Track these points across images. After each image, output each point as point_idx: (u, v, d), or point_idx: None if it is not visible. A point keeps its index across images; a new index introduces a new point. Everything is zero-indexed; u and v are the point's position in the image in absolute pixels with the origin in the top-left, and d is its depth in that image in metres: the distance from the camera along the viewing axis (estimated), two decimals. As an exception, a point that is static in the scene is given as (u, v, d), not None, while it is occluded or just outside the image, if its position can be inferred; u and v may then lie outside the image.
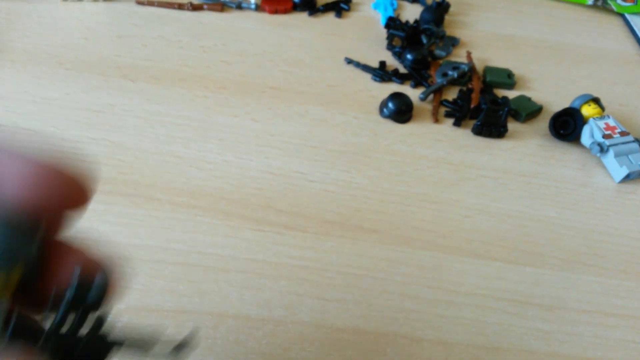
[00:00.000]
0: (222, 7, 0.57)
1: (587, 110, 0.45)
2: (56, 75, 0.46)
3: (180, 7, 0.56)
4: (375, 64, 0.52)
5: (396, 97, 0.45)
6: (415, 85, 0.49)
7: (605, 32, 0.58)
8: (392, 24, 0.53)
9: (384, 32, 0.56)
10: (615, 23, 0.60)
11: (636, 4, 0.61)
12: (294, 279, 0.33)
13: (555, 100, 0.48)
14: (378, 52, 0.53)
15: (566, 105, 0.47)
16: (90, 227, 0.35)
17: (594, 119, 0.44)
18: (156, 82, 0.47)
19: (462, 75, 0.48)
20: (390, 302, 0.33)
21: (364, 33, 0.56)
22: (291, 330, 0.31)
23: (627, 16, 0.60)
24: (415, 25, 0.53)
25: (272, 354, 0.30)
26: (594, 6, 0.61)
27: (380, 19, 0.58)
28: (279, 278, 0.33)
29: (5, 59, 0.47)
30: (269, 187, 0.39)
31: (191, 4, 0.56)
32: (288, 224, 0.37)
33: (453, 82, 0.49)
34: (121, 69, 0.47)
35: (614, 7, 0.61)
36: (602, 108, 0.45)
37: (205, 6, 0.57)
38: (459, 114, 0.45)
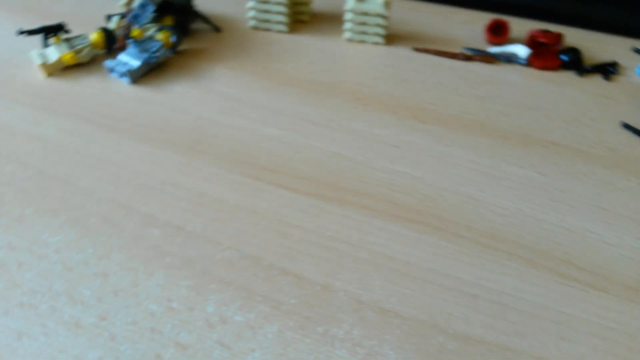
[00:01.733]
0: (492, 59, 0.60)
1: None
2: (355, 109, 0.52)
3: (454, 56, 0.61)
4: (651, 131, 0.51)
5: (692, 171, 0.44)
6: None
7: None
8: (677, 94, 0.53)
9: (657, 100, 0.55)
10: None
11: None
12: (606, 339, 0.35)
13: None
14: (654, 120, 0.53)
15: None
16: (408, 252, 0.39)
17: None
18: (443, 125, 0.51)
19: None
20: None
21: (635, 99, 0.56)
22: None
23: None
24: (702, 97, 0.52)
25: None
26: None
27: (652, 85, 0.58)
28: (590, 335, 0.35)
29: (309, 89, 0.55)
30: (565, 241, 0.41)
31: (463, 54, 0.60)
32: (591, 282, 0.38)
33: None
34: (410, 110, 0.52)
35: None
36: None
37: (476, 57, 0.60)
38: None
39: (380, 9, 0.60)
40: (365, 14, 0.61)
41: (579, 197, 0.44)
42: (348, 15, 0.62)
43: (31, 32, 0.55)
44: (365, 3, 0.60)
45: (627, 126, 0.52)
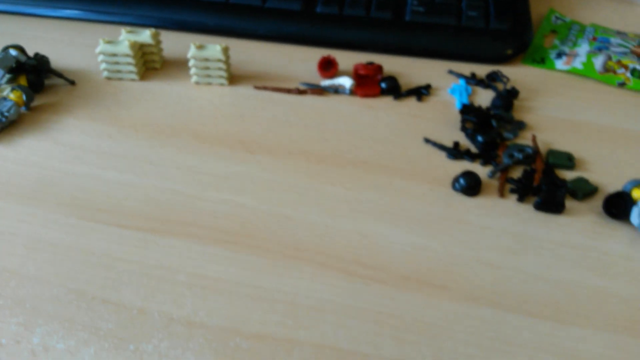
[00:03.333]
0: (321, 92, 0.68)
1: (637, 193, 0.51)
2: (193, 147, 0.59)
3: (289, 91, 0.68)
4: (450, 143, 0.61)
5: (467, 174, 0.53)
6: (485, 164, 0.57)
7: (665, 119, 0.64)
8: (466, 109, 0.62)
9: (458, 115, 0.65)
10: (676, 110, 0.66)
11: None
12: (378, 322, 0.42)
13: (610, 182, 0.55)
14: (453, 133, 0.62)
15: (620, 187, 0.53)
16: (221, 270, 0.45)
17: (644, 201, 0.50)
18: (270, 155, 0.58)
19: (527, 157, 0.56)
20: (458, 350, 0.40)
21: (441, 115, 0.65)
22: (374, 362, 0.40)
23: (688, 105, 0.65)
24: (486, 111, 0.62)
25: (359, 379, 0.38)
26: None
27: (455, 103, 0.67)
28: (365, 320, 0.42)
29: (153, 132, 0.61)
30: (358, 245, 0.48)
31: (297, 89, 0.68)
32: (373, 276, 0.45)
33: (518, 163, 0.57)
34: (243, 143, 0.59)
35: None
36: (653, 191, 0.51)
37: (308, 91, 0.68)
38: (522, 191, 0.53)
39: (218, 55, 0.67)
40: (206, 59, 0.68)
41: (376, 205, 0.52)
42: (191, 62, 0.68)
43: None
44: (205, 50, 0.67)
45: (427, 140, 0.60)
